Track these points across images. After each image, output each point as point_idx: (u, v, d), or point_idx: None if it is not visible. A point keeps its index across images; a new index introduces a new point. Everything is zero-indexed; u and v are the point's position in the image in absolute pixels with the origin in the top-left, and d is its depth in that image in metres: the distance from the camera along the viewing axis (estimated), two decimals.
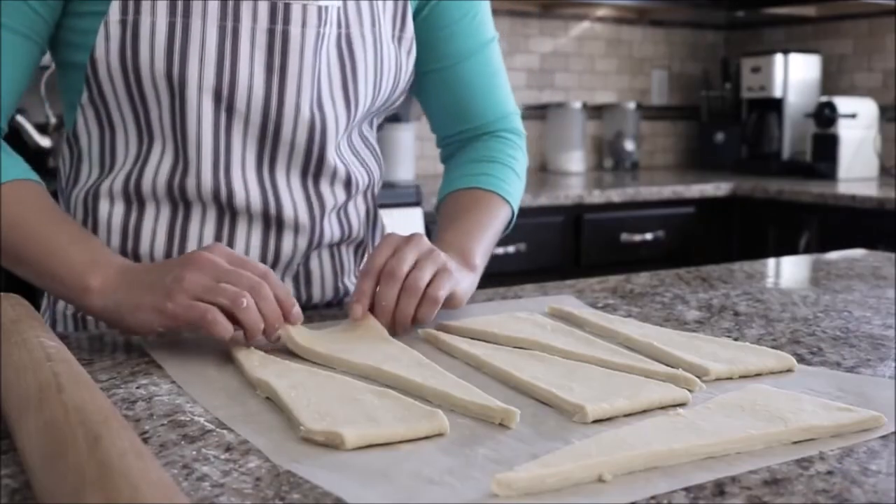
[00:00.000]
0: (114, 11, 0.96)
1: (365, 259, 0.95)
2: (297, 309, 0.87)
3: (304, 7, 1.01)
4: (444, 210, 1.15)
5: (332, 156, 1.06)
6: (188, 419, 0.69)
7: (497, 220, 1.13)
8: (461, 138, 1.23)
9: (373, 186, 1.17)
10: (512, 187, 1.17)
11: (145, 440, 0.65)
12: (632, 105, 3.72)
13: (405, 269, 0.92)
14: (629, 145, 3.72)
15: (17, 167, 0.98)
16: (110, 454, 0.50)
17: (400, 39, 1.10)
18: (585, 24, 3.75)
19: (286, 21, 1.00)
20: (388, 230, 1.19)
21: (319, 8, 1.01)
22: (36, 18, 0.97)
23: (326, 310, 1.11)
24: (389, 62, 1.09)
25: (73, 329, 1.08)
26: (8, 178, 0.95)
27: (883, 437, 0.66)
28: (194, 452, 0.63)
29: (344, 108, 1.06)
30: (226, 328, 0.82)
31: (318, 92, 1.03)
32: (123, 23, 0.96)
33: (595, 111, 3.77)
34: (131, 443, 0.53)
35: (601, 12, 3.73)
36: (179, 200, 1.03)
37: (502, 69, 1.22)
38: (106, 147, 1.04)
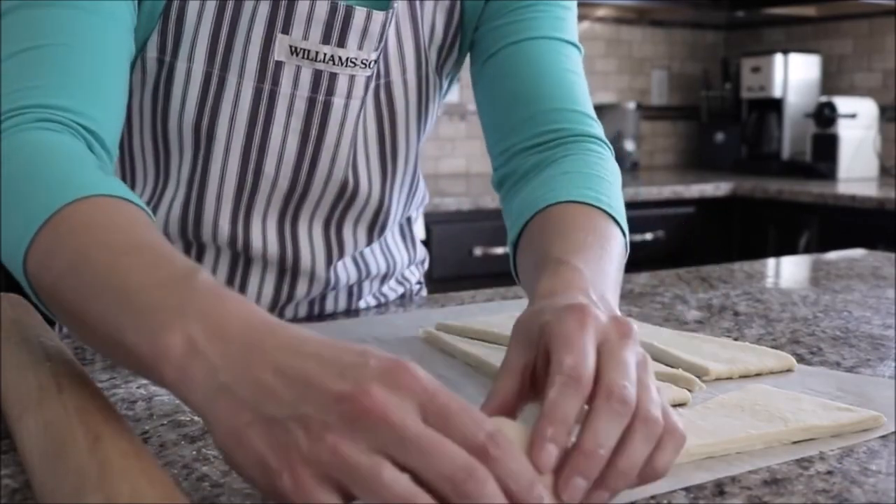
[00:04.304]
0: (151, 48, 0.89)
1: (558, 357, 0.53)
2: (538, 491, 0.45)
3: (352, 78, 0.92)
4: (548, 227, 0.79)
5: (359, 207, 1.00)
6: (188, 419, 0.69)
7: (621, 263, 0.78)
8: (530, 142, 0.93)
9: (404, 216, 1.10)
10: (622, 208, 0.84)
11: (145, 440, 0.65)
12: (632, 105, 3.72)
13: (633, 393, 0.51)
14: (629, 145, 3.71)
15: (108, 183, 0.67)
16: (111, 454, 0.50)
17: (443, 67, 1.01)
18: (585, 24, 3.74)
19: (329, 92, 0.92)
20: None
21: (367, 78, 0.93)
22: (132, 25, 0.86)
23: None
24: (434, 97, 1.01)
25: None
26: (87, 193, 0.64)
27: (883, 437, 0.66)
28: (194, 452, 0.63)
29: (379, 168, 0.99)
30: None
31: (353, 155, 0.97)
32: (160, 62, 0.90)
33: (595, 111, 3.76)
34: (131, 443, 0.53)
35: (601, 12, 3.73)
36: (193, 242, 0.98)
37: (584, 79, 0.98)
38: (127, 180, 1.00)
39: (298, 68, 0.91)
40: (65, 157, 0.71)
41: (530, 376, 0.57)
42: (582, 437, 0.49)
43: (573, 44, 0.98)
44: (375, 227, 1.04)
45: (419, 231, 1.18)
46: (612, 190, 0.85)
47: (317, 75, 0.91)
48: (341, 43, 0.91)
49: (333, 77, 0.92)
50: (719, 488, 0.57)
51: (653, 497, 0.56)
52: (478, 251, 2.69)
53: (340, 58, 0.91)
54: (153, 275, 0.55)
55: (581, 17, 3.70)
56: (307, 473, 0.44)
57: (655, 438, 0.51)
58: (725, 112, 3.83)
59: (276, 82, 0.91)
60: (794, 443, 0.65)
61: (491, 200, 2.70)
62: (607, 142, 0.95)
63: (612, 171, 0.89)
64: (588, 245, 0.73)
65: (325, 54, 0.91)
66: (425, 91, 0.99)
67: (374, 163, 0.99)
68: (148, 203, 0.97)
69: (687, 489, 0.57)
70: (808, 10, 3.66)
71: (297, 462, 0.45)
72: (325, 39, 0.90)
